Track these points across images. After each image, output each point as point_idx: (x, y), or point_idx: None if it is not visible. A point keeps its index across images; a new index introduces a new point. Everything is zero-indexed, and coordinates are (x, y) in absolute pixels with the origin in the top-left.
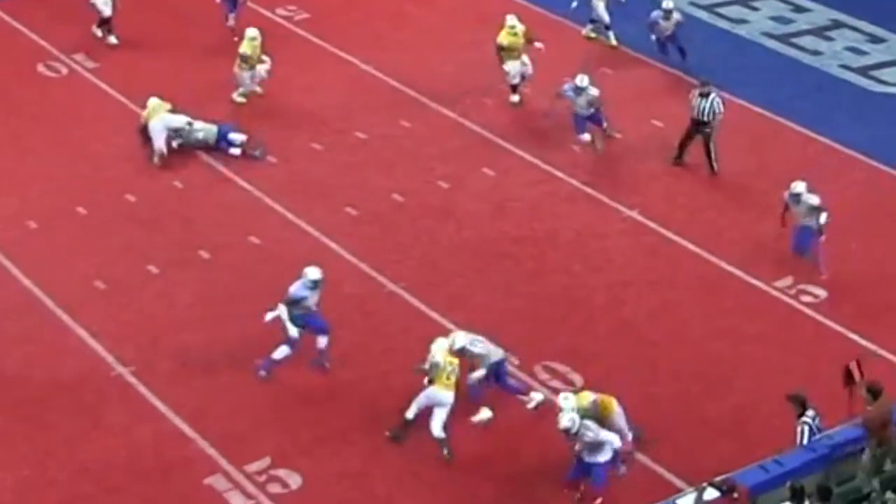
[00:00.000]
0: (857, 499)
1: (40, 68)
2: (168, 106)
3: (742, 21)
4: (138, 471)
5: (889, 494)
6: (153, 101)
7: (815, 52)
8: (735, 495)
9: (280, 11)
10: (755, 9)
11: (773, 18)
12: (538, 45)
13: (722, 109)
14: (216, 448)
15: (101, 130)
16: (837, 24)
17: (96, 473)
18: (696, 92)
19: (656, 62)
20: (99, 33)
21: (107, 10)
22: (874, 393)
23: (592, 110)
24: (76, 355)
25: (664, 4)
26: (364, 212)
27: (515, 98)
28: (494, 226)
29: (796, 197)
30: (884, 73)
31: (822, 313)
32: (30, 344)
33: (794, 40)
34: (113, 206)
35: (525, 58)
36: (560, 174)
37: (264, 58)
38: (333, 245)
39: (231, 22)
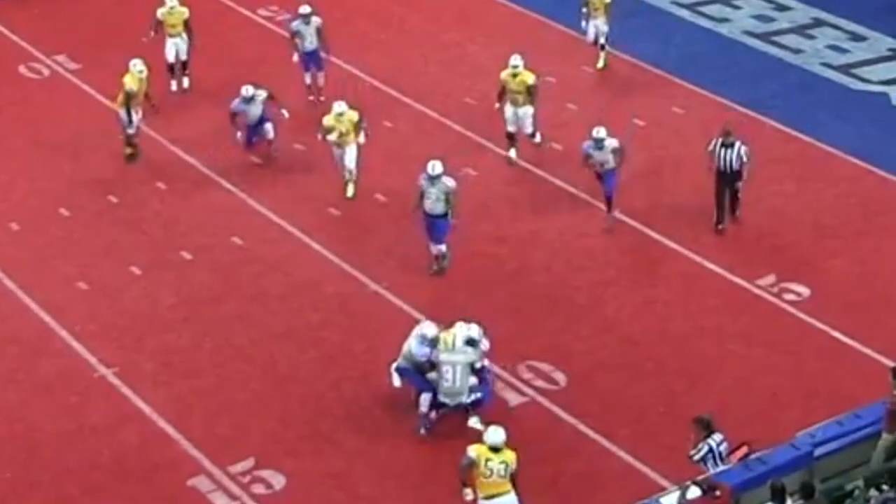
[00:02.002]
0: (841, 496)
1: (22, 69)
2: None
3: (724, 20)
4: (122, 472)
5: (872, 492)
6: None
7: (797, 51)
8: (718, 493)
9: (262, 12)
10: (737, 7)
11: (755, 17)
12: (531, 109)
13: (750, 157)
14: (200, 449)
15: (84, 132)
16: (819, 23)
17: (80, 474)
18: (719, 141)
19: (638, 60)
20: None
21: (170, 57)
22: None
23: (445, 208)
24: (59, 356)
25: (594, 133)
26: (347, 212)
27: (512, 154)
28: (476, 225)
29: None
30: (865, 71)
31: (806, 311)
32: (13, 345)
33: (776, 38)
34: (95, 207)
35: (530, 107)
36: (542, 173)
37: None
38: (316, 245)
39: (320, 81)
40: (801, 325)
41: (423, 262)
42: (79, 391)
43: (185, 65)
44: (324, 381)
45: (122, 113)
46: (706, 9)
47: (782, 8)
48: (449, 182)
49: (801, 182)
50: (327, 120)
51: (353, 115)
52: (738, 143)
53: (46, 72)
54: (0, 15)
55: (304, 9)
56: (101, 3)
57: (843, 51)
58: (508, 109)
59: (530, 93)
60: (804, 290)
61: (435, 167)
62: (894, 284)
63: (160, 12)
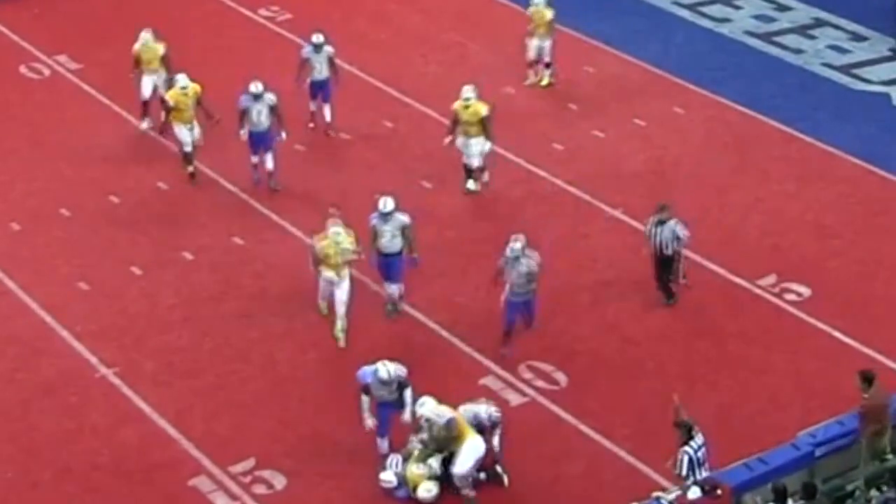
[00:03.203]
0: (842, 497)
1: (23, 70)
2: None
3: (725, 20)
4: (123, 472)
5: (873, 492)
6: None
7: (798, 51)
8: (719, 493)
9: (263, 12)
10: (738, 7)
11: (756, 17)
12: (488, 144)
13: (685, 234)
14: (200, 449)
15: (84, 132)
16: (820, 23)
17: (80, 474)
18: (654, 220)
19: (638, 60)
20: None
21: (145, 93)
22: (868, 380)
23: (402, 244)
24: (60, 357)
25: (512, 243)
26: (347, 212)
27: (470, 185)
28: (477, 226)
29: None
30: (866, 72)
31: (806, 311)
32: (14, 345)
33: (777, 39)
34: (96, 207)
35: (482, 139)
36: (543, 173)
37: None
38: None
39: (326, 115)
40: (801, 325)
41: (424, 262)
42: (79, 391)
43: (162, 100)
44: (324, 381)
45: (174, 129)
46: (707, 9)
47: (783, 8)
48: (403, 217)
49: (801, 182)
50: (326, 246)
51: (349, 243)
52: (672, 221)
53: (47, 72)
54: (0, 15)
55: (317, 38)
56: (103, 3)
57: (844, 51)
58: (460, 140)
59: (483, 125)
60: (804, 290)
61: (386, 204)
62: (894, 284)
63: (135, 48)
